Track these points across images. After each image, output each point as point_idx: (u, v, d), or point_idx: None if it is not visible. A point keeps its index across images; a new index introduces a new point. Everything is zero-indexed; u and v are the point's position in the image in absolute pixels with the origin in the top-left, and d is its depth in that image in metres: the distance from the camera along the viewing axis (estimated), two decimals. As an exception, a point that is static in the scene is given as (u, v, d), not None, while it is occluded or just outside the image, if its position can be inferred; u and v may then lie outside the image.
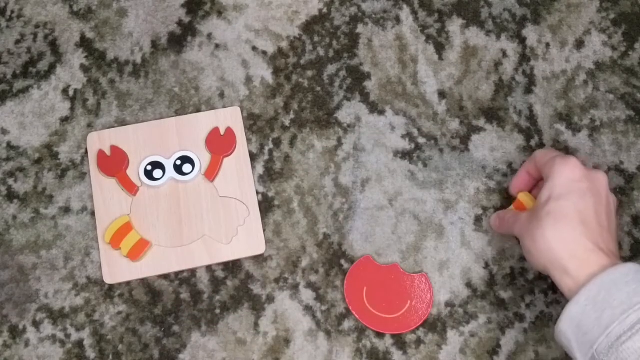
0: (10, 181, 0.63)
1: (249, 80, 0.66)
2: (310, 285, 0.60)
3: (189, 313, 0.60)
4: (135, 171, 0.62)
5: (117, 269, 0.60)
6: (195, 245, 0.60)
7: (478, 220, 0.62)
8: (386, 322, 0.58)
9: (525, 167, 0.58)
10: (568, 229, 0.49)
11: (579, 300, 0.46)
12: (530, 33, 0.67)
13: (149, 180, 0.61)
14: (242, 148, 0.63)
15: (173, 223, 0.61)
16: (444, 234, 0.61)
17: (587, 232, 0.49)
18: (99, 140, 0.63)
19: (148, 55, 0.66)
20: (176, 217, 0.61)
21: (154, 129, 0.63)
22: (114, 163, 0.62)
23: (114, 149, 0.62)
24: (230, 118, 0.64)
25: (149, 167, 0.62)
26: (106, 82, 0.66)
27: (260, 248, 0.60)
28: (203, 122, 0.63)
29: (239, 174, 0.62)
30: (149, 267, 0.60)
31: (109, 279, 0.59)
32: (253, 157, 0.63)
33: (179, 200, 0.61)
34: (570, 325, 0.46)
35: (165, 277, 0.61)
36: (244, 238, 0.60)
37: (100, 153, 0.62)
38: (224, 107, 0.65)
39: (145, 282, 0.60)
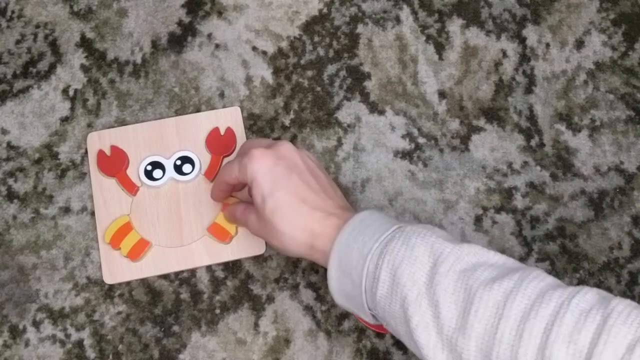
0: (10, 181, 0.63)
1: (249, 80, 0.66)
2: (310, 285, 0.60)
3: (189, 313, 0.60)
4: (135, 171, 0.62)
5: (117, 269, 0.60)
6: (195, 245, 0.60)
7: (478, 220, 0.62)
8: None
9: (221, 182, 0.56)
10: (296, 215, 0.50)
11: (332, 275, 0.48)
12: (530, 33, 0.67)
13: (149, 180, 0.61)
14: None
15: (173, 223, 0.61)
16: (444, 234, 0.61)
17: (311, 206, 0.50)
18: (99, 140, 0.63)
19: (148, 55, 0.66)
20: (176, 217, 0.61)
21: (154, 128, 0.63)
22: (114, 163, 0.62)
23: (114, 149, 0.62)
24: (230, 118, 0.64)
25: (149, 167, 0.62)
26: (106, 82, 0.66)
27: (260, 248, 0.60)
28: (203, 122, 0.63)
29: None
30: (149, 267, 0.60)
31: (109, 279, 0.59)
32: (253, 157, 0.63)
33: (179, 200, 0.61)
34: (339, 297, 0.49)
35: (165, 277, 0.61)
36: (244, 238, 0.60)
37: (100, 153, 0.62)
38: (224, 107, 0.65)
39: (145, 282, 0.60)
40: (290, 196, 0.50)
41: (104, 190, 0.61)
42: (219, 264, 0.61)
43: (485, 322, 0.41)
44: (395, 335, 0.48)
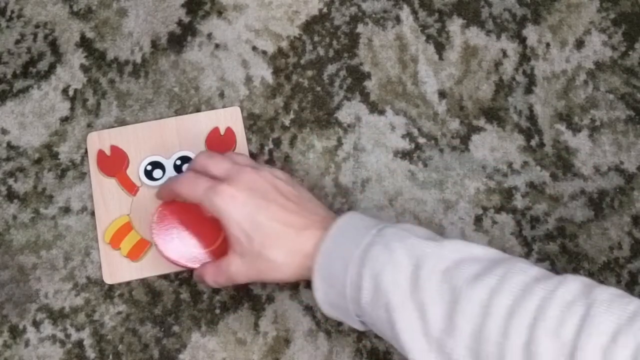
0: (10, 181, 0.63)
1: (248, 80, 0.66)
2: (310, 285, 0.60)
3: (189, 313, 0.60)
4: (135, 171, 0.62)
5: (117, 269, 0.60)
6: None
7: (478, 220, 0.62)
8: (206, 255, 0.58)
9: (174, 193, 0.55)
10: (285, 241, 0.49)
11: (318, 287, 0.48)
12: (531, 33, 0.67)
13: (149, 180, 0.61)
14: (242, 148, 0.63)
15: None
16: (444, 234, 0.61)
17: (296, 228, 0.49)
18: (99, 140, 0.63)
19: (148, 55, 0.66)
20: None
21: (154, 128, 0.63)
22: (114, 163, 0.62)
23: (114, 148, 0.62)
24: (230, 118, 0.64)
25: (149, 167, 0.62)
26: (106, 82, 0.66)
27: None
28: (203, 122, 0.63)
29: None
30: (149, 267, 0.60)
31: (108, 279, 0.59)
32: (253, 157, 0.63)
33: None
34: (326, 307, 0.49)
35: (165, 277, 0.60)
36: None
37: (100, 153, 0.62)
38: (224, 107, 0.65)
39: (145, 282, 0.60)
40: (274, 224, 0.49)
41: (104, 190, 0.61)
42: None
43: (472, 321, 0.41)
44: (385, 339, 0.48)
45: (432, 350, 0.42)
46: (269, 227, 0.49)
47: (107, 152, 0.62)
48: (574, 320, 0.38)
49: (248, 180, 0.51)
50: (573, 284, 0.41)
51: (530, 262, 0.44)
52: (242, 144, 0.63)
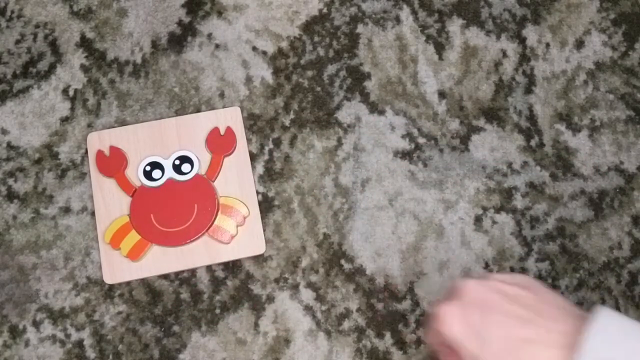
0: (10, 181, 0.63)
1: (249, 80, 0.66)
2: (310, 285, 0.60)
3: (189, 313, 0.60)
4: (135, 171, 0.62)
5: (117, 268, 0.60)
6: (195, 245, 0.60)
7: (478, 220, 0.62)
8: (182, 234, 0.60)
9: (432, 345, 0.47)
10: (520, 356, 0.41)
11: None
12: (530, 33, 0.67)
13: (147, 181, 0.61)
14: (242, 148, 0.63)
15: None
16: (444, 234, 0.61)
17: (531, 341, 0.41)
18: (99, 141, 0.63)
19: (148, 55, 0.66)
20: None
21: (155, 129, 0.63)
22: (113, 163, 0.62)
23: (113, 149, 0.62)
24: (230, 118, 0.64)
25: (148, 168, 0.62)
26: (106, 82, 0.66)
27: (260, 248, 0.60)
28: (203, 122, 0.63)
29: (239, 173, 0.62)
30: (149, 267, 0.60)
31: (109, 279, 0.59)
32: (253, 157, 0.63)
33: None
34: None
35: (165, 277, 0.61)
36: (244, 238, 0.60)
37: (99, 153, 0.62)
38: (224, 107, 0.65)
39: (145, 282, 0.60)
40: (504, 340, 0.41)
41: (104, 190, 0.61)
42: (219, 264, 0.61)
43: None
44: None
45: None
46: (498, 345, 0.41)
47: (107, 152, 0.62)
48: None
49: (467, 293, 0.43)
50: None
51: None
52: (242, 144, 0.63)
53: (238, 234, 0.60)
